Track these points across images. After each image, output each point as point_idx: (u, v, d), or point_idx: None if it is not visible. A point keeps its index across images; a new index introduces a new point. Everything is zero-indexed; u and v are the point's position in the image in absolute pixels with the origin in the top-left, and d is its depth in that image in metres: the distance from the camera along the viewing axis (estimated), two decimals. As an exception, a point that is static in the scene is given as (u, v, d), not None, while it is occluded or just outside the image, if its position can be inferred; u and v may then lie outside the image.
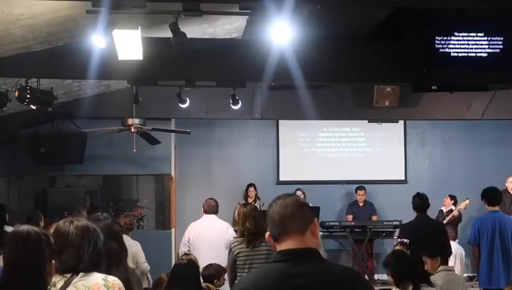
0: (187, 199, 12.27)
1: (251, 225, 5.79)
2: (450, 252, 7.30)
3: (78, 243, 2.89)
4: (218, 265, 6.29)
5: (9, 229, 7.98)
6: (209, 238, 6.59)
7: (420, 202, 7.44)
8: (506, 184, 11.07)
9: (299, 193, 11.45)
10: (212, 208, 7.66)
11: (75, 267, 2.87)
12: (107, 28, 5.79)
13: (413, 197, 7.55)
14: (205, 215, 7.67)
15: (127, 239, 7.36)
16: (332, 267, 2.49)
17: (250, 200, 11.26)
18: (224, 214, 7.99)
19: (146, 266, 7.39)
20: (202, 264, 6.85)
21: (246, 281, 2.49)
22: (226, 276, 6.39)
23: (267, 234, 2.48)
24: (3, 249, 2.81)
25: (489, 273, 7.66)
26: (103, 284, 2.90)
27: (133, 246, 7.38)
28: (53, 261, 2.75)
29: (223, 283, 6.32)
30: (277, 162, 12.60)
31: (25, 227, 2.75)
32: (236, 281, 5.59)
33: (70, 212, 8.55)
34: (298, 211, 2.43)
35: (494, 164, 12.18)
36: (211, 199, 7.95)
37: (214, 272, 6.09)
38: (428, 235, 6.84)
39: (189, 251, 7.53)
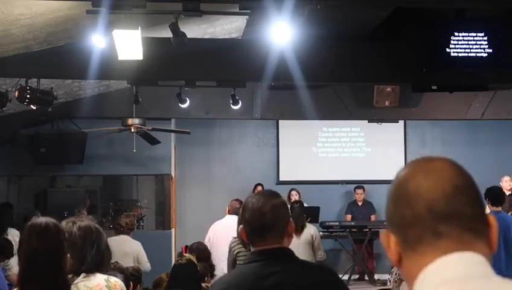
0: (187, 199, 12.28)
1: None
2: None
3: (81, 244, 2.89)
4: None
5: (12, 231, 7.99)
6: (227, 237, 6.61)
7: None
8: (501, 183, 11.00)
9: (294, 193, 11.38)
10: (236, 210, 7.62)
11: (78, 268, 2.86)
12: (107, 28, 5.79)
13: None
14: (227, 216, 7.67)
15: (127, 239, 7.41)
16: (307, 266, 2.51)
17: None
18: (224, 215, 7.98)
19: (148, 266, 7.39)
20: (220, 262, 6.88)
21: (223, 282, 2.51)
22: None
23: (241, 227, 2.49)
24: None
25: (495, 273, 7.64)
26: (105, 285, 2.89)
27: (134, 246, 7.39)
28: (68, 255, 2.69)
29: (210, 280, 6.36)
30: (277, 162, 12.60)
31: (43, 219, 2.68)
32: (214, 281, 5.61)
33: (70, 213, 8.56)
34: (276, 220, 2.42)
35: (494, 164, 12.18)
36: (237, 200, 7.97)
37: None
38: None
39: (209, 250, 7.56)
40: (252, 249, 2.45)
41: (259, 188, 11.72)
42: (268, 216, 2.40)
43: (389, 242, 1.22)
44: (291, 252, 2.46)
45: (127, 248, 7.28)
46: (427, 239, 1.17)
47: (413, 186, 1.21)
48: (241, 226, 2.50)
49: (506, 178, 11.20)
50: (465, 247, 1.16)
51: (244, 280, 2.37)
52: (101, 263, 2.95)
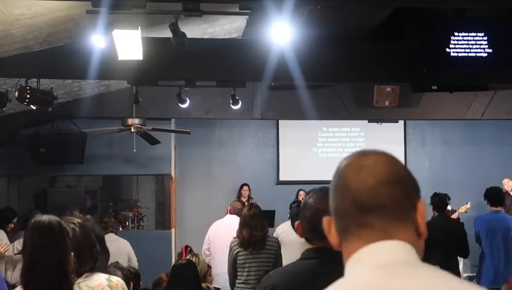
0: (187, 199, 12.28)
1: (247, 234, 5.80)
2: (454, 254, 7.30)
3: (82, 243, 2.88)
4: None
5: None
6: (227, 237, 6.66)
7: (439, 201, 7.53)
8: (504, 186, 11.02)
9: (302, 193, 11.41)
10: (237, 211, 7.63)
11: (79, 268, 2.86)
12: (107, 28, 5.79)
13: (432, 197, 7.63)
14: (228, 215, 7.69)
15: (117, 238, 7.50)
16: None
17: (243, 200, 11.26)
18: (223, 215, 7.99)
19: (137, 265, 7.47)
20: (219, 261, 6.89)
21: (275, 277, 2.49)
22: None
23: (297, 223, 2.48)
24: None
25: (495, 273, 7.66)
26: (107, 285, 2.89)
27: (126, 245, 7.49)
28: (72, 253, 2.69)
29: (211, 280, 6.38)
30: (277, 162, 12.60)
31: (46, 217, 2.67)
32: (269, 274, 5.61)
33: (64, 215, 8.57)
34: None
35: (494, 164, 12.18)
36: (239, 200, 8.01)
37: None
38: (446, 235, 6.94)
39: (209, 249, 7.58)
40: (308, 246, 2.44)
41: (246, 188, 11.76)
42: None
43: (330, 228, 1.35)
44: None
45: (120, 246, 7.35)
46: (352, 230, 1.28)
47: (343, 182, 1.32)
48: (297, 221, 2.49)
49: (506, 180, 11.22)
50: (388, 236, 1.25)
51: (300, 275, 2.37)
52: (100, 262, 2.95)
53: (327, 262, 2.35)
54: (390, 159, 1.34)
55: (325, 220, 1.36)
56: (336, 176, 1.35)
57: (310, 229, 2.43)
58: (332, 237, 1.34)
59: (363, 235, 1.27)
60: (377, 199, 1.27)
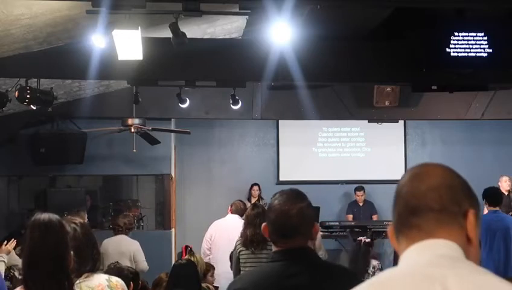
0: (187, 199, 12.28)
1: (250, 233, 5.81)
2: None
3: (82, 243, 2.88)
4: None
5: None
6: (229, 237, 6.65)
7: None
8: (499, 183, 10.97)
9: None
10: (239, 211, 7.61)
11: (79, 268, 2.85)
12: (107, 28, 5.79)
13: None
14: (230, 215, 7.67)
15: (124, 239, 7.48)
16: (329, 267, 2.50)
17: (253, 200, 11.25)
18: (224, 215, 7.98)
19: (145, 265, 7.42)
20: (222, 261, 6.88)
21: (243, 280, 2.49)
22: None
23: (264, 225, 2.47)
24: None
25: (495, 273, 7.65)
26: (107, 285, 2.89)
27: (130, 246, 7.43)
28: (71, 251, 2.68)
29: (212, 281, 6.39)
30: (277, 162, 12.59)
31: (46, 214, 2.66)
32: (235, 279, 5.63)
33: (70, 213, 8.57)
34: (302, 223, 2.41)
35: (494, 164, 12.18)
36: (240, 200, 8.00)
37: None
38: None
39: (210, 248, 7.57)
40: (275, 249, 2.44)
41: (256, 188, 11.76)
42: (295, 219, 2.39)
43: (392, 235, 1.44)
44: (314, 253, 2.45)
45: (123, 248, 7.34)
46: (403, 231, 1.38)
47: (398, 189, 1.43)
48: (264, 223, 2.48)
49: (505, 178, 11.20)
50: (434, 236, 1.33)
51: (267, 278, 2.36)
52: (99, 262, 2.96)
53: (295, 264, 2.35)
54: (444, 169, 1.42)
55: (389, 227, 1.45)
56: (397, 186, 1.45)
57: (275, 231, 2.41)
58: (394, 243, 1.42)
59: (411, 235, 1.35)
60: (425, 201, 1.35)
